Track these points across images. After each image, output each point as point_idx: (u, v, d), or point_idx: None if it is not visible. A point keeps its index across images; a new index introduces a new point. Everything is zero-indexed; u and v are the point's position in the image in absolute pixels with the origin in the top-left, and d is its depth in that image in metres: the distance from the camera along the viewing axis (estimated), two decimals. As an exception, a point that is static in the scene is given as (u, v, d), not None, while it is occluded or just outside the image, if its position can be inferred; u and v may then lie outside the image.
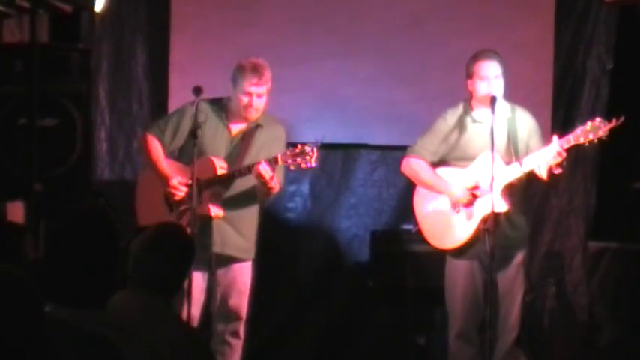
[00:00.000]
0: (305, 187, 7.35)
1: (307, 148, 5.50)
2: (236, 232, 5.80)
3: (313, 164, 5.54)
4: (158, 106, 7.23)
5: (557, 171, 5.54)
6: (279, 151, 5.63)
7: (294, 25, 7.22)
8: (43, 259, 2.91)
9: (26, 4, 6.38)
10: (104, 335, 2.75)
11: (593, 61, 7.23)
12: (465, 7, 7.18)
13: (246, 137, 5.81)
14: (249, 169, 5.61)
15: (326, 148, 7.30)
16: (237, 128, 5.82)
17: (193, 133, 5.55)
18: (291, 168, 5.58)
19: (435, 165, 5.82)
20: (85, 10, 7.01)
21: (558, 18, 7.20)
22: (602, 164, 7.12)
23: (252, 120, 5.80)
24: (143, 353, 3.16)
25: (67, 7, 6.65)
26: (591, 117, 7.02)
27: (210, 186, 5.66)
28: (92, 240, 2.92)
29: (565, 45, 7.24)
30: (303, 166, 5.53)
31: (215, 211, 5.68)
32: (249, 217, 5.87)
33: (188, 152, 5.72)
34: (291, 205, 7.35)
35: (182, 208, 5.69)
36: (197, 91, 5.65)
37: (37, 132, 6.21)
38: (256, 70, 5.72)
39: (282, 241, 7.28)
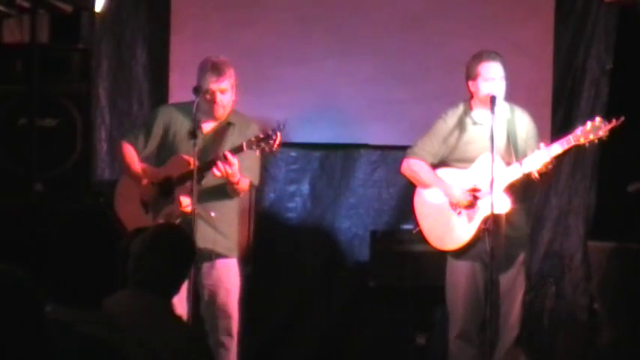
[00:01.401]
0: (305, 187, 7.35)
1: (270, 132, 5.57)
2: (214, 231, 5.80)
3: (275, 148, 5.58)
4: (158, 106, 7.23)
5: (536, 175, 5.58)
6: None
7: (294, 25, 7.22)
8: (43, 258, 2.90)
9: (26, 4, 6.38)
10: (104, 335, 2.75)
11: (593, 61, 7.23)
12: (465, 7, 7.18)
13: (218, 135, 5.84)
14: (210, 164, 5.64)
15: (326, 148, 7.33)
16: (208, 126, 5.86)
17: (193, 133, 5.57)
18: (257, 154, 5.63)
19: (435, 166, 5.82)
20: (85, 10, 7.01)
21: (558, 18, 7.19)
22: (602, 164, 7.12)
23: (220, 118, 5.85)
24: (143, 353, 3.16)
25: (67, 7, 6.64)
26: (591, 117, 7.04)
27: (182, 182, 5.68)
28: (92, 240, 2.91)
29: (565, 45, 7.24)
30: (267, 150, 5.59)
31: (185, 202, 5.68)
32: (227, 215, 5.88)
33: (163, 156, 5.87)
34: (291, 205, 7.35)
35: (170, 209, 5.72)
36: (197, 91, 5.69)
37: (37, 132, 6.20)
38: (215, 67, 5.79)
39: (282, 241, 7.28)
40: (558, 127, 6.94)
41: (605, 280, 3.24)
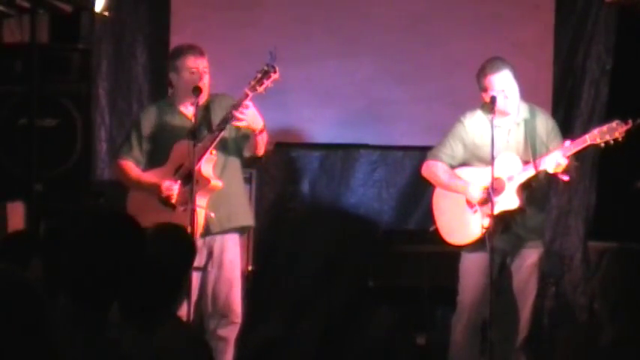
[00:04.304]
0: (305, 187, 7.35)
1: (266, 67, 5.58)
2: (229, 205, 5.80)
3: (279, 77, 5.57)
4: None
5: (565, 178, 5.60)
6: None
7: (295, 25, 7.22)
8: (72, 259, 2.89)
9: (26, 4, 6.39)
10: (110, 336, 2.76)
11: (593, 61, 7.23)
12: (465, 7, 7.18)
13: (203, 111, 5.80)
14: (226, 120, 5.62)
15: (326, 148, 7.32)
16: (190, 111, 5.72)
17: (193, 134, 5.55)
18: (263, 92, 5.59)
19: (455, 167, 5.86)
20: (85, 10, 7.01)
21: (558, 18, 7.20)
22: (602, 164, 7.12)
23: (202, 99, 5.75)
24: (143, 353, 3.16)
25: (67, 7, 6.65)
26: (591, 117, 7.08)
27: (197, 161, 5.62)
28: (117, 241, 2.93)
29: (565, 45, 7.24)
30: (271, 85, 5.58)
31: (215, 182, 5.68)
32: (236, 188, 5.87)
33: (157, 155, 5.81)
34: (291, 205, 7.35)
35: (183, 207, 5.69)
36: (197, 91, 5.68)
37: (37, 132, 6.21)
38: (193, 47, 5.82)
39: (282, 241, 7.28)
40: (558, 127, 6.94)
41: (605, 280, 3.24)
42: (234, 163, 5.87)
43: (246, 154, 5.86)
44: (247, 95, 5.58)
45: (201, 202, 5.64)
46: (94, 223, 2.94)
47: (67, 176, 6.49)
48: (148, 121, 5.90)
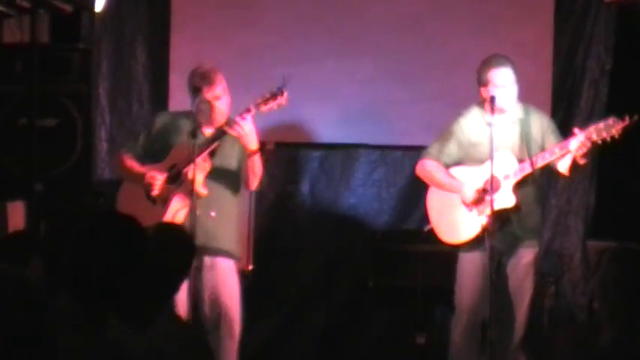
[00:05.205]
0: (305, 187, 7.36)
1: (276, 90, 5.62)
2: (216, 227, 5.79)
3: (285, 103, 5.62)
4: (158, 106, 7.23)
5: (582, 161, 5.58)
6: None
7: (294, 25, 7.23)
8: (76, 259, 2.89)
9: (26, 4, 6.39)
10: (110, 336, 2.76)
11: (593, 61, 7.24)
12: (465, 7, 7.18)
13: (217, 135, 5.82)
14: (222, 131, 5.65)
15: (326, 148, 7.33)
16: (207, 131, 5.78)
17: (193, 133, 5.56)
18: (265, 112, 5.63)
19: (450, 166, 5.86)
20: (85, 10, 7.02)
21: (558, 18, 7.20)
22: (602, 164, 7.12)
23: (219, 123, 5.77)
24: (143, 353, 3.17)
25: (67, 7, 6.65)
26: (590, 117, 7.08)
27: (189, 163, 5.62)
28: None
29: (565, 45, 7.25)
30: (276, 108, 5.62)
31: (198, 188, 5.68)
32: (228, 213, 5.86)
33: (160, 157, 5.80)
34: (290, 205, 7.36)
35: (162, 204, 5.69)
36: (197, 91, 5.68)
37: (37, 132, 6.21)
38: (205, 77, 5.77)
39: (282, 241, 7.28)
40: (558, 127, 6.94)
41: (605, 279, 3.25)
42: (235, 197, 5.87)
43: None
44: (249, 110, 5.61)
45: (177, 204, 5.65)
46: (94, 223, 2.95)
47: (67, 176, 6.49)
48: (161, 121, 5.92)
